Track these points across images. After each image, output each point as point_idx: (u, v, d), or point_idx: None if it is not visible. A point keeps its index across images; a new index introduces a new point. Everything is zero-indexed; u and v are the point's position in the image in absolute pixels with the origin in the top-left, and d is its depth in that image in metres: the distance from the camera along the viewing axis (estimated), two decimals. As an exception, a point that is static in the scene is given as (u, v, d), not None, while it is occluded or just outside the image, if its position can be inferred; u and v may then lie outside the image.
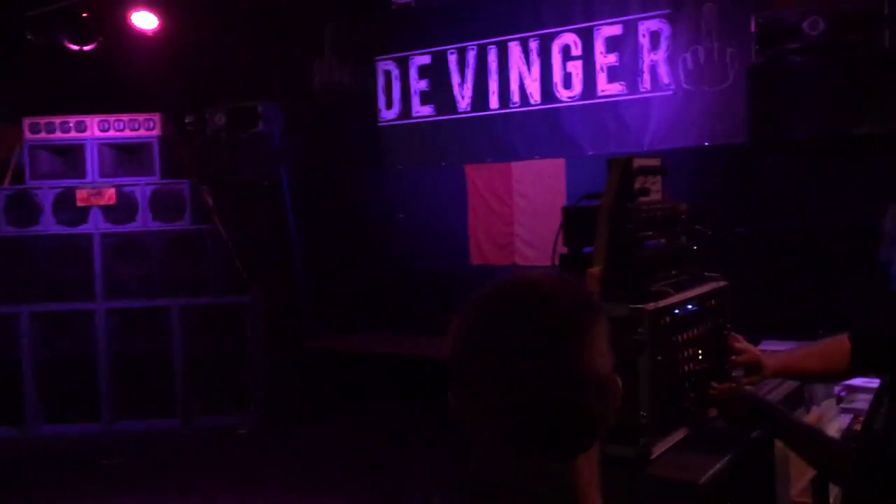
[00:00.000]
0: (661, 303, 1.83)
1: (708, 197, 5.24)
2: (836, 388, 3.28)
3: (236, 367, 6.26)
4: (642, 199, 1.95)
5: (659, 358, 1.80)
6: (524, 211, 6.63)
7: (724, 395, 1.98)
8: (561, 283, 1.02)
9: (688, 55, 5.66)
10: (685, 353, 1.94)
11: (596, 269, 1.81)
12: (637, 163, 1.93)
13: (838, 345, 2.18)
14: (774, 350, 3.51)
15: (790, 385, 2.46)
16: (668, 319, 1.86)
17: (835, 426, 3.23)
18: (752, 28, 4.73)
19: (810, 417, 2.79)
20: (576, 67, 6.15)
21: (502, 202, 6.74)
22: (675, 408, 1.91)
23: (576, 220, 1.94)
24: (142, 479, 5.24)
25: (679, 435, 1.91)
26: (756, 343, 3.72)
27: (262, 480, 5.12)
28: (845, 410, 3.33)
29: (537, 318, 0.97)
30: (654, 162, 2.02)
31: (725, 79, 5.52)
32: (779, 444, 2.25)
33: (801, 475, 2.54)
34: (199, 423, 6.20)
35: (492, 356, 0.97)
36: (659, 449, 1.82)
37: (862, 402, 3.33)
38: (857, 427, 3.50)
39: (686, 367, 1.94)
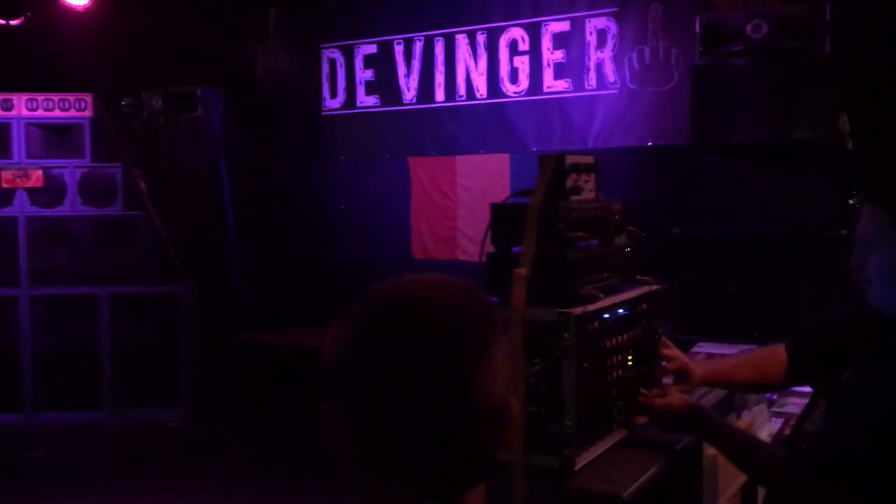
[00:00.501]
0: (590, 307, 1.76)
1: (650, 198, 5.23)
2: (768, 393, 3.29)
3: (167, 359, 6.06)
4: (574, 197, 1.88)
5: (585, 365, 1.73)
6: (467, 206, 6.58)
7: (655, 401, 1.93)
8: (457, 294, 0.90)
9: (633, 54, 5.66)
10: (614, 359, 1.87)
11: (523, 270, 1.73)
12: (569, 160, 1.86)
13: (772, 355, 2.14)
14: (710, 352, 3.51)
15: (717, 395, 2.42)
16: (596, 324, 1.79)
17: (765, 431, 3.22)
18: (697, 29, 4.73)
19: (741, 423, 2.77)
20: (523, 63, 6.10)
21: (446, 196, 6.67)
22: (602, 416, 1.84)
23: (504, 218, 1.86)
24: (64, 473, 5.03)
25: (606, 444, 1.85)
26: (691, 345, 3.72)
27: (193, 476, 4.96)
28: (776, 415, 3.34)
29: (427, 335, 0.85)
30: (588, 159, 1.95)
31: (670, 79, 5.53)
32: (708, 450, 2.21)
33: (729, 482, 2.51)
34: (127, 416, 5.99)
35: (371, 374, 0.86)
36: (584, 459, 1.75)
37: (792, 406, 3.34)
38: (788, 431, 3.52)
39: (615, 374, 1.87)
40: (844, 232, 4.82)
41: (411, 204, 6.79)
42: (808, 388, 2.49)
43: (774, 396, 3.45)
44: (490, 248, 1.87)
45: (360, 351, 0.87)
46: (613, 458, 1.83)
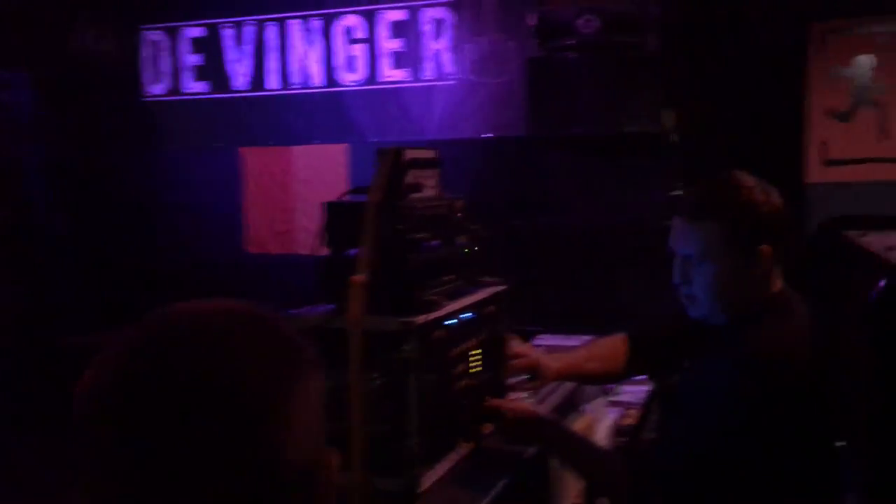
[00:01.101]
0: (434, 314, 1.63)
1: (489, 190, 5.23)
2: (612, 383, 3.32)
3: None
4: (415, 195, 1.74)
5: (431, 377, 1.60)
6: (304, 198, 6.35)
7: (500, 411, 1.84)
8: (246, 328, 0.71)
9: (471, 45, 5.64)
10: (460, 368, 1.76)
11: (360, 276, 1.58)
12: (409, 154, 1.72)
13: (616, 345, 2.13)
14: (551, 344, 3.51)
15: (566, 388, 2.39)
16: (441, 332, 1.66)
17: (605, 424, 3.25)
18: (531, 22, 4.74)
19: (584, 419, 2.75)
20: (360, 51, 5.94)
21: (281, 188, 6.42)
22: (448, 429, 1.73)
23: (340, 218, 1.70)
24: None
25: (453, 459, 1.73)
26: (532, 337, 3.71)
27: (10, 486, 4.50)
28: (613, 404, 3.38)
29: (199, 385, 0.66)
30: (429, 154, 1.82)
31: (507, 71, 5.54)
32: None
33: (574, 486, 2.49)
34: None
35: (129, 436, 0.66)
36: (429, 479, 1.63)
37: (627, 395, 3.39)
38: (626, 422, 3.58)
39: (461, 384, 1.76)
40: (670, 223, 5.02)
41: (244, 196, 6.47)
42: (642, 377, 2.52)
43: (611, 385, 3.48)
44: (324, 250, 1.70)
45: (116, 403, 0.67)
46: (461, 474, 1.72)
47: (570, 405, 2.55)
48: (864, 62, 5.06)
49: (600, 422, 3.16)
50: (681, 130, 4.92)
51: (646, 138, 4.96)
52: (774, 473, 1.64)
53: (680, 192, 5.07)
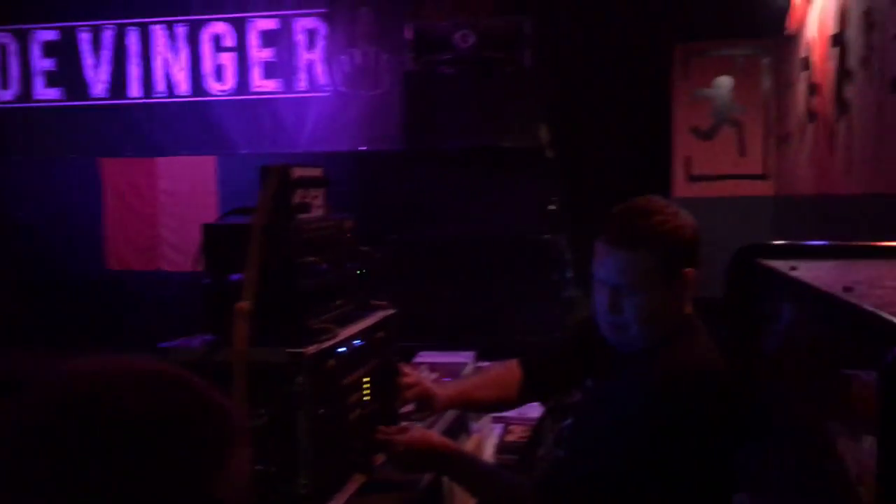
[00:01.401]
0: (325, 343, 1.53)
1: (365, 205, 5.13)
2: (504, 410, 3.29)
3: None
4: (303, 216, 1.64)
5: (322, 410, 1.50)
6: (171, 212, 6.05)
7: (394, 442, 1.76)
8: (172, 398, 0.64)
9: (344, 57, 5.56)
10: (351, 398, 1.66)
11: (245, 304, 1.46)
12: (296, 172, 1.62)
13: (508, 371, 2.08)
14: (433, 361, 3.45)
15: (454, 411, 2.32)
16: (332, 362, 1.56)
17: (491, 441, 3.22)
18: (407, 36, 4.71)
19: (472, 439, 2.70)
20: (228, 59, 5.74)
21: (145, 201, 6.11)
22: (340, 464, 1.63)
23: (220, 241, 1.57)
24: None
25: (344, 495, 1.63)
26: (412, 354, 3.64)
27: None
28: (496, 419, 3.35)
29: (122, 468, 0.59)
30: (316, 172, 1.72)
31: (381, 84, 5.49)
32: (447, 484, 2.10)
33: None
34: None
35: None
36: (322, 520, 1.52)
37: (511, 411, 3.37)
38: (509, 438, 3.56)
39: (353, 415, 1.67)
40: (547, 236, 5.09)
41: (104, 210, 6.10)
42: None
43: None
44: (204, 276, 1.57)
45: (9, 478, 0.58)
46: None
47: (460, 425, 2.49)
48: (724, 83, 5.31)
49: (487, 439, 3.13)
50: (555, 145, 5.00)
51: (522, 153, 5.02)
52: (679, 496, 1.64)
53: (554, 207, 5.16)
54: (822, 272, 0.90)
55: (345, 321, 1.68)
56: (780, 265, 0.98)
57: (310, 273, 1.54)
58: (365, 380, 1.75)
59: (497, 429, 3.48)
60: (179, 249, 5.95)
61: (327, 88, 5.59)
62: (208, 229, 1.57)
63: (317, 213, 1.72)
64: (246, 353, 1.45)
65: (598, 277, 1.76)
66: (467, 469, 1.83)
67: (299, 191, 1.64)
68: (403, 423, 1.86)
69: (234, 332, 1.45)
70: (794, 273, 0.90)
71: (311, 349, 1.47)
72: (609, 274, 1.73)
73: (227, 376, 1.45)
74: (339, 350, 1.61)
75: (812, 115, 4.10)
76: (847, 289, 0.76)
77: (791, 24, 4.53)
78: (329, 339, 1.54)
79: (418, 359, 3.59)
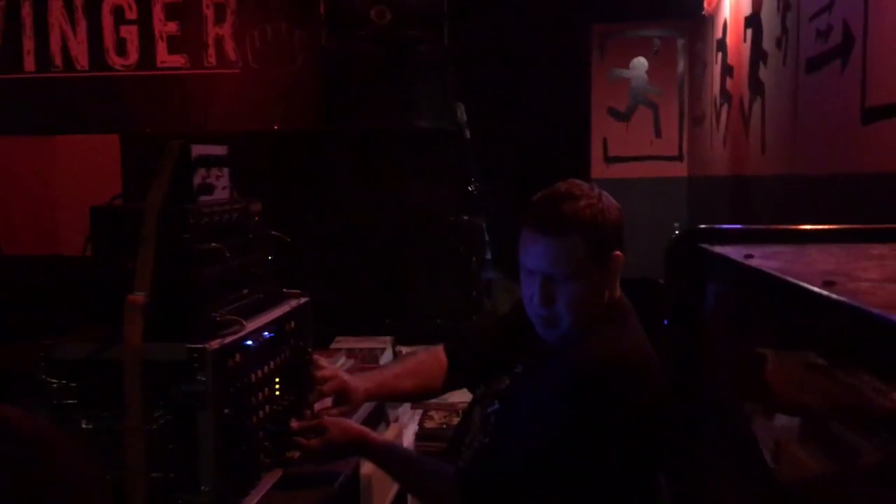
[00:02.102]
0: (230, 337, 1.40)
1: (279, 187, 4.98)
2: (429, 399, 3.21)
3: None
4: (204, 198, 1.50)
5: (226, 410, 1.38)
6: (72, 192, 5.75)
7: (309, 442, 1.65)
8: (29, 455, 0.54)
9: (255, 33, 5.36)
10: (260, 395, 1.54)
11: (139, 296, 1.32)
12: (196, 150, 1.48)
13: (434, 359, 1.99)
14: (350, 347, 3.34)
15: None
16: (238, 357, 1.44)
17: (411, 430, 3.14)
18: (321, 11, 4.56)
19: (392, 430, 2.62)
20: (131, 33, 5.46)
21: (44, 183, 5.79)
22: (247, 466, 1.51)
23: (111, 226, 1.42)
24: None
25: (254, 497, 1.52)
26: (329, 341, 3.53)
27: None
28: (414, 406, 3.28)
29: None
30: (220, 150, 1.59)
31: (294, 61, 5.31)
32: (364, 468, 2.01)
33: (385, 494, 2.36)
34: None
35: None
36: (228, 528, 1.40)
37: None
38: (428, 424, 3.49)
39: (261, 412, 1.54)
40: (466, 218, 5.03)
41: (-4, 191, 5.76)
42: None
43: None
44: (93, 265, 1.42)
45: None
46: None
47: (379, 414, 2.40)
48: (641, 64, 5.33)
49: (407, 427, 3.05)
50: (473, 126, 4.93)
51: (439, 133, 4.93)
52: (604, 482, 1.61)
53: (472, 189, 5.10)
54: (784, 262, 0.84)
55: (252, 312, 1.56)
56: (730, 252, 0.91)
57: (211, 260, 1.40)
58: (275, 374, 1.63)
59: (418, 415, 3.41)
60: (82, 232, 5.67)
61: (238, 65, 5.37)
62: (97, 213, 1.42)
63: (221, 195, 1.58)
64: (141, 350, 1.32)
65: (527, 267, 1.69)
66: (389, 459, 1.78)
67: (201, 171, 1.50)
68: (318, 416, 1.76)
69: (127, 327, 1.31)
70: (751, 262, 0.83)
71: (214, 344, 1.35)
72: (540, 262, 1.66)
73: (119, 375, 1.31)
74: (246, 343, 1.49)
75: (727, 96, 4.13)
76: (828, 283, 0.69)
77: (707, 5, 4.56)
78: (234, 333, 1.42)
79: (335, 345, 3.48)
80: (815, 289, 0.67)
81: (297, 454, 1.68)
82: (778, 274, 0.74)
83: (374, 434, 1.80)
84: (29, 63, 5.54)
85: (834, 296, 0.65)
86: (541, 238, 1.65)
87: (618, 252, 1.68)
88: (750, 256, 0.86)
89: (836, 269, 0.80)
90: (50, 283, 4.97)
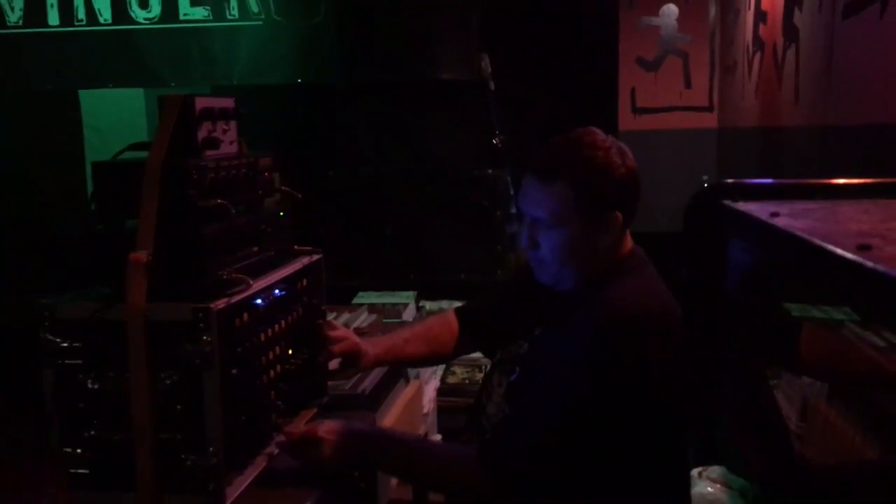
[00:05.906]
0: (237, 296, 1.37)
1: (300, 141, 4.94)
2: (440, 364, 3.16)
3: None
4: (210, 153, 1.46)
5: (234, 371, 1.35)
6: (97, 149, 5.77)
7: (300, 439, 1.56)
8: None
9: (278, -17, 5.26)
10: (270, 355, 1.51)
11: (142, 254, 1.29)
12: (200, 103, 1.43)
13: (444, 324, 1.95)
14: (372, 303, 3.32)
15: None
16: (246, 316, 1.41)
17: (432, 386, 3.11)
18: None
19: (412, 386, 2.59)
20: (153, -16, 5.39)
21: (69, 138, 5.81)
22: (258, 428, 1.48)
23: (112, 182, 1.38)
24: None
25: (261, 463, 1.49)
26: (352, 294, 3.51)
27: None
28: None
29: None
30: (226, 102, 1.54)
31: (316, 13, 5.20)
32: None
33: (394, 482, 2.32)
34: None
35: None
36: (235, 490, 1.38)
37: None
38: (451, 380, 3.47)
39: (272, 373, 1.52)
40: (490, 171, 4.96)
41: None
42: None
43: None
44: (94, 222, 1.38)
45: None
46: (272, 477, 1.48)
47: (396, 373, 2.37)
48: (671, 11, 5.16)
49: (428, 383, 3.02)
50: (498, 77, 4.83)
51: (463, 85, 4.84)
52: (629, 441, 1.54)
53: (497, 141, 5.02)
54: (813, 220, 0.77)
55: (262, 270, 1.52)
56: (755, 209, 0.84)
57: (216, 217, 1.36)
58: (286, 334, 1.60)
59: (438, 371, 3.38)
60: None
61: (260, 17, 5.28)
62: (98, 168, 1.39)
63: (228, 149, 1.54)
64: (144, 310, 1.29)
65: (520, 209, 1.66)
66: (397, 452, 1.65)
67: (206, 124, 1.45)
68: (307, 421, 1.67)
69: (130, 286, 1.28)
70: (777, 221, 0.77)
71: (220, 303, 1.31)
72: (528, 205, 1.63)
73: (123, 335, 1.29)
74: (255, 302, 1.46)
75: (760, 43, 3.99)
76: (863, 247, 0.62)
77: (740, -51, 4.38)
78: (241, 292, 1.38)
79: (357, 300, 3.46)
80: (849, 255, 0.61)
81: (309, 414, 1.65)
82: (806, 237, 0.67)
83: (374, 429, 1.75)
84: (52, 16, 5.50)
85: (870, 263, 0.58)
86: (531, 180, 1.62)
87: (617, 213, 1.60)
88: (776, 214, 0.79)
89: (872, 229, 0.73)
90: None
